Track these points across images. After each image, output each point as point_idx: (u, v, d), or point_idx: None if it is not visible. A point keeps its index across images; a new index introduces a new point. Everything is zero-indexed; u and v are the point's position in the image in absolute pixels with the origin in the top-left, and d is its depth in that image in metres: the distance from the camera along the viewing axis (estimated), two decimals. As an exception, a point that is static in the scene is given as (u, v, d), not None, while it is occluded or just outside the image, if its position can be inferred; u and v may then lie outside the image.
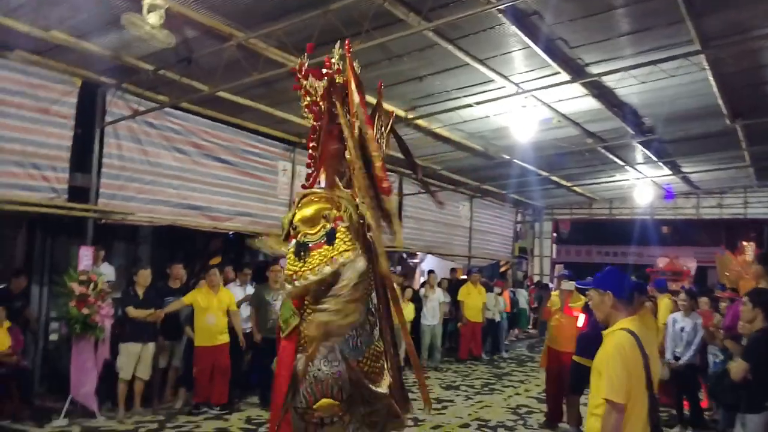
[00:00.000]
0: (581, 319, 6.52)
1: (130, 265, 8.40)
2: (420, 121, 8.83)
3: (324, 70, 3.38)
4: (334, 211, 3.24)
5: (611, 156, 11.03)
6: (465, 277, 13.61)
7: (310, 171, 3.55)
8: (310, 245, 3.15)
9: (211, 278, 7.08)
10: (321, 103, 3.43)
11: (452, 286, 12.23)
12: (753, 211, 15.07)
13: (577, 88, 7.46)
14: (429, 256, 14.74)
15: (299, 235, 3.17)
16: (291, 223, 3.26)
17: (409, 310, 10.37)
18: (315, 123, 3.48)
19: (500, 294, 12.63)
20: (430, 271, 11.51)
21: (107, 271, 7.29)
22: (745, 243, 15.79)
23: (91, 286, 6.15)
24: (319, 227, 3.19)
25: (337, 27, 5.35)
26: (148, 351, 6.70)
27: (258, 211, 9.00)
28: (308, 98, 3.48)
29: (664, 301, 7.97)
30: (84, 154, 6.82)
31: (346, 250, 3.11)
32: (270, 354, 7.42)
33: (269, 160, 9.23)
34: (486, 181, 13.39)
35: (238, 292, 7.77)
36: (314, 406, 3.10)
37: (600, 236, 22.24)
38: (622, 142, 9.96)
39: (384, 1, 5.27)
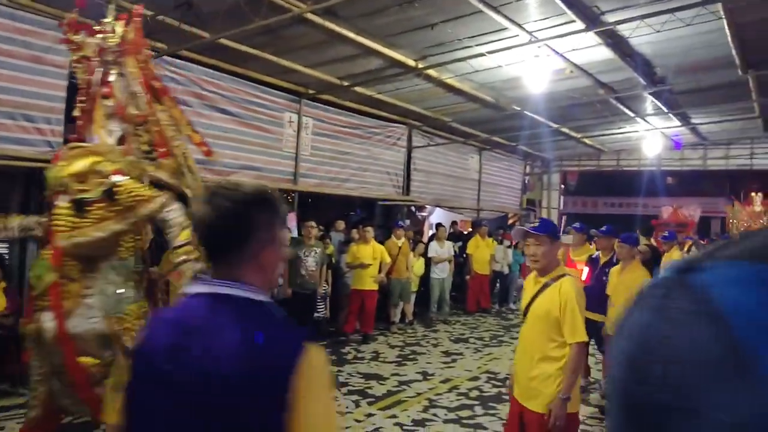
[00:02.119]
0: (585, 273, 6.45)
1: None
2: (430, 71, 8.53)
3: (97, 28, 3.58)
4: (108, 165, 3.27)
5: (622, 107, 10.76)
6: (470, 230, 13.51)
7: (79, 124, 3.64)
8: (89, 201, 3.19)
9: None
10: (93, 59, 3.58)
11: (454, 238, 12.22)
12: (759, 162, 15.04)
13: (591, 38, 7.18)
14: (437, 209, 14.60)
15: (75, 191, 3.17)
16: (59, 179, 3.24)
17: (419, 265, 10.33)
18: (87, 77, 3.59)
19: (509, 246, 12.54)
20: (439, 224, 11.40)
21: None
22: (753, 194, 15.76)
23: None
24: (94, 182, 3.21)
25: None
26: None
27: (263, 165, 8.79)
28: (80, 53, 3.61)
29: (675, 253, 8.04)
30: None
31: (152, 197, 3.26)
32: (301, 307, 7.48)
33: (275, 112, 8.94)
34: (496, 133, 13.12)
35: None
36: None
37: (607, 187, 22.11)
38: (634, 93, 9.74)
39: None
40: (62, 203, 3.20)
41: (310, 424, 1.18)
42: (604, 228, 6.42)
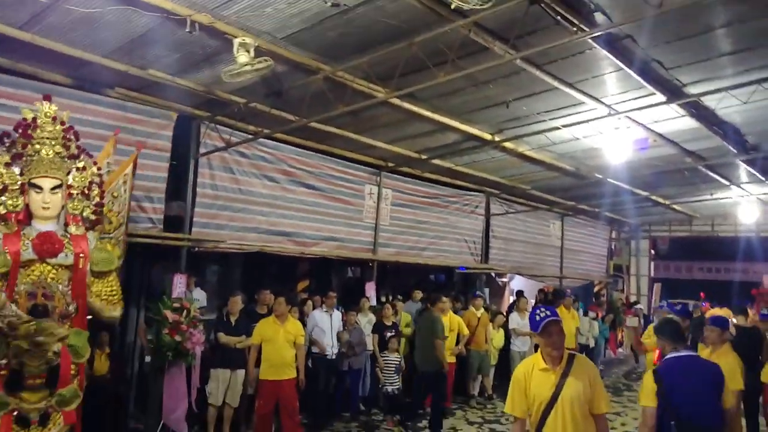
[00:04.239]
0: (656, 354, 6.10)
1: (220, 289, 8.68)
2: (507, 144, 8.63)
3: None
4: None
5: (712, 174, 10.35)
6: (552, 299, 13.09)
7: None
8: None
9: (276, 307, 6.67)
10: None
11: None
12: None
13: (674, 109, 7.06)
14: (518, 276, 14.34)
15: None
16: None
17: (498, 337, 10.10)
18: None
19: (595, 318, 12.03)
20: (520, 293, 11.14)
21: (199, 296, 7.57)
22: None
23: (184, 313, 6.36)
24: None
25: (422, 58, 5.32)
26: (237, 378, 6.79)
27: (345, 235, 9.10)
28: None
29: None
30: (179, 184, 7.10)
31: None
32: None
33: (356, 185, 9.31)
34: (578, 200, 12.89)
35: (323, 317, 7.84)
36: None
37: (701, 252, 20.85)
38: (724, 161, 9.37)
39: (469, 31, 5.15)
40: None
41: None
42: (678, 307, 5.92)
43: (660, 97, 6.58)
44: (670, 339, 3.91)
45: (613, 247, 17.80)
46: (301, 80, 6.13)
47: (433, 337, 7.44)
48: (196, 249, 7.24)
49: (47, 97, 4.54)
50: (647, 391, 3.62)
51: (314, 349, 7.69)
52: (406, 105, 7.00)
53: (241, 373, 6.82)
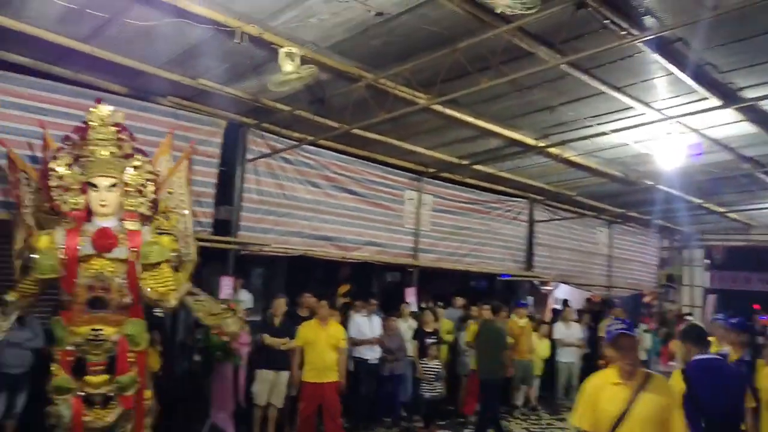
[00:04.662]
0: None
1: (265, 292, 8.84)
2: (552, 149, 8.51)
3: None
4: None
5: (772, 181, 9.91)
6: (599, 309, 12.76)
7: None
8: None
9: (319, 311, 6.85)
10: None
11: (594, 316, 11.51)
12: None
13: (729, 113, 6.80)
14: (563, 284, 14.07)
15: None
16: None
17: (543, 347, 9.93)
18: None
19: (646, 330, 11.65)
20: (565, 302, 10.92)
21: (245, 298, 7.72)
22: None
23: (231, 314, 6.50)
24: None
25: (464, 63, 5.32)
26: (281, 379, 6.87)
27: (385, 241, 9.14)
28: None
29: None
30: (226, 189, 7.30)
31: None
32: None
33: (396, 190, 9.36)
34: (627, 207, 12.55)
35: (364, 322, 7.89)
36: None
37: (760, 262, 19.93)
38: (785, 168, 8.95)
39: (513, 36, 5.12)
40: None
41: None
42: (735, 320, 5.46)
43: (714, 101, 6.34)
44: (695, 343, 4.02)
45: (664, 256, 17.24)
46: (343, 88, 6.22)
47: (501, 346, 7.65)
48: (243, 252, 7.41)
49: (99, 101, 4.80)
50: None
51: (355, 353, 7.75)
52: (448, 111, 7.00)
53: (285, 374, 6.90)
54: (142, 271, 4.59)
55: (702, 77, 5.95)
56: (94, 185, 4.55)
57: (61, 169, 4.53)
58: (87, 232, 4.48)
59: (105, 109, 4.69)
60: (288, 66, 5.20)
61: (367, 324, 7.91)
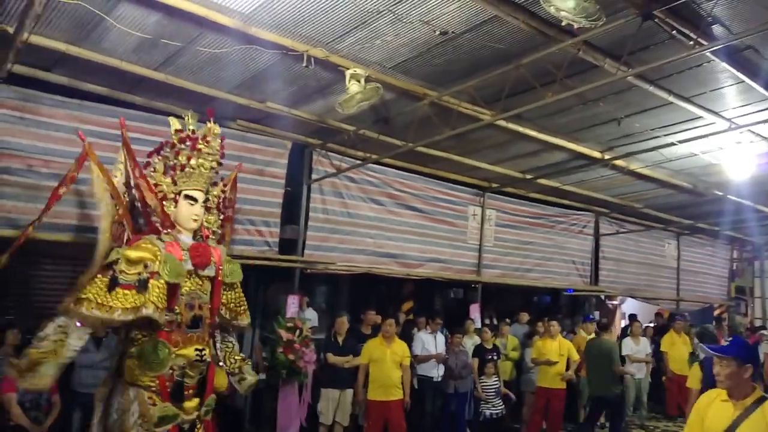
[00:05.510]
0: None
1: (329, 309, 8.95)
2: (618, 162, 8.33)
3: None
4: (157, 264, 3.87)
5: None
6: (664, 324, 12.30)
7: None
8: (121, 283, 3.74)
9: (385, 329, 6.78)
10: None
11: (658, 331, 11.16)
12: None
13: (804, 122, 6.51)
14: (630, 298, 13.66)
15: (117, 270, 3.77)
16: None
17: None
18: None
19: (716, 345, 11.15)
20: (633, 317, 10.60)
21: (311, 316, 7.84)
22: None
23: (297, 332, 6.62)
24: (135, 271, 3.80)
25: (528, 78, 5.31)
26: (346, 397, 6.90)
27: (449, 257, 9.13)
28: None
29: None
30: (292, 209, 7.47)
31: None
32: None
33: (459, 206, 9.35)
34: (695, 218, 12.11)
35: (429, 339, 7.87)
36: None
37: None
38: None
39: (578, 50, 5.08)
40: None
41: None
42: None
43: (786, 109, 6.13)
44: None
45: (734, 267, 16.51)
46: (408, 106, 6.29)
47: (612, 362, 7.65)
48: (308, 271, 7.55)
49: (210, 113, 4.61)
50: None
51: (420, 371, 7.73)
52: (512, 126, 6.96)
53: (349, 392, 6.92)
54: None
55: (773, 85, 5.75)
56: (193, 198, 4.29)
57: (160, 177, 4.30)
58: (184, 245, 4.19)
59: (216, 126, 4.55)
60: (354, 87, 5.33)
61: (432, 341, 7.87)
